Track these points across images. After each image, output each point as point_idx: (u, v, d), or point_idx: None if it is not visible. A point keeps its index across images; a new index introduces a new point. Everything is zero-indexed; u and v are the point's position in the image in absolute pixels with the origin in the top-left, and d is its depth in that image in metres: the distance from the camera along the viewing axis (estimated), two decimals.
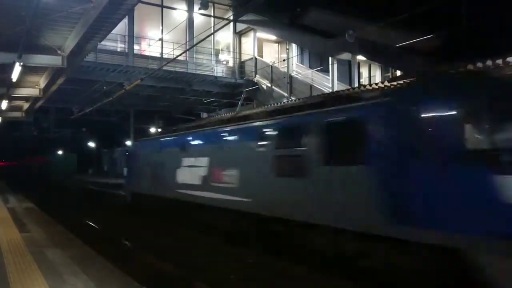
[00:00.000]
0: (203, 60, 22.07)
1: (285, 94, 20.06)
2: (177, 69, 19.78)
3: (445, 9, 10.04)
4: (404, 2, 10.59)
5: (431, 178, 5.19)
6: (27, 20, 8.22)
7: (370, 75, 21.76)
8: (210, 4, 20.55)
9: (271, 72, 21.44)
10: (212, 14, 21.53)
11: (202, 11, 17.54)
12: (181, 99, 23.18)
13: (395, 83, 10.44)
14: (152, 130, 32.09)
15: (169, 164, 12.30)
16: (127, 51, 19.86)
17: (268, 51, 23.54)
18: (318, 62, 21.24)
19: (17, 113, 22.76)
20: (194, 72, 20.90)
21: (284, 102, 12.47)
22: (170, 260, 7.97)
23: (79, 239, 8.76)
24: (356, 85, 17.57)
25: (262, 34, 22.52)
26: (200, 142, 11.30)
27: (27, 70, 12.37)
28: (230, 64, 23.15)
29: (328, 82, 18.68)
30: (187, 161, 11.27)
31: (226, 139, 9.92)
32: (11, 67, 10.79)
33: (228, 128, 9.97)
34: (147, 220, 13.26)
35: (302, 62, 21.72)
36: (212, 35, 20.25)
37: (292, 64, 20.91)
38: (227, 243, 9.24)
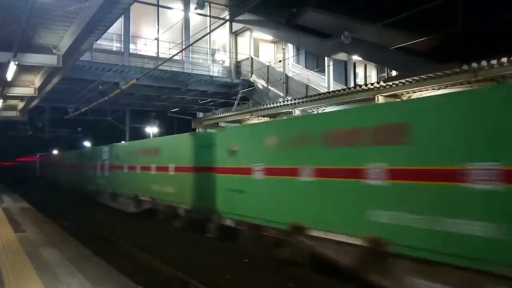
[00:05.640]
0: (199, 60, 22.06)
1: (281, 94, 20.09)
2: (173, 69, 19.75)
3: (440, 10, 10.09)
4: (400, 3, 10.64)
5: None
6: (23, 19, 8.17)
7: (366, 75, 21.83)
8: (206, 3, 20.56)
9: (267, 72, 21.46)
10: (208, 14, 21.51)
11: (198, 11, 17.51)
12: (177, 99, 23.14)
13: (390, 83, 10.51)
14: (148, 129, 32.09)
15: None
16: (123, 51, 19.80)
17: (265, 51, 23.55)
18: (314, 62, 21.30)
19: (11, 113, 22.58)
20: (190, 71, 20.88)
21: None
22: None
23: (74, 239, 8.74)
24: (352, 85, 17.66)
25: (258, 34, 22.53)
26: None
27: (22, 69, 12.28)
28: (226, 64, 23.15)
29: (324, 82, 18.73)
30: None
31: None
32: (6, 66, 10.72)
33: None
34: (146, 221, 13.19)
35: (298, 62, 21.76)
36: (208, 35, 20.23)
37: (288, 64, 20.95)
38: None
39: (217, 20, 20.43)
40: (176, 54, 14.28)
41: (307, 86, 19.38)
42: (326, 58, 18.36)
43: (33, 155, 39.41)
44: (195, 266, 7.71)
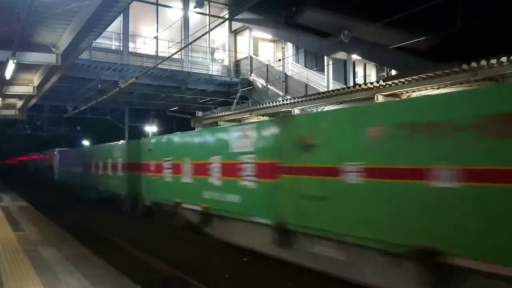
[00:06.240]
0: (199, 59, 22.04)
1: (281, 93, 20.08)
2: (172, 68, 19.73)
3: (440, 9, 10.09)
4: (400, 2, 10.64)
5: None
6: (22, 17, 8.16)
7: (365, 74, 21.83)
8: (206, 2, 20.53)
9: (267, 71, 21.46)
10: (208, 13, 21.49)
11: (198, 9, 17.49)
12: (177, 98, 23.13)
13: (389, 82, 10.50)
14: (147, 128, 32.11)
15: None
16: (122, 49, 19.77)
17: (264, 50, 23.54)
18: (314, 61, 21.30)
19: (10, 111, 22.55)
20: (189, 70, 20.86)
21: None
22: None
23: (74, 238, 8.73)
24: (351, 84, 17.65)
25: (257, 33, 22.52)
26: None
27: (20, 67, 12.25)
28: (226, 62, 23.13)
29: (323, 81, 18.73)
30: None
31: None
32: (4, 64, 10.70)
33: None
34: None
35: (297, 61, 21.77)
36: (208, 34, 20.21)
37: (288, 63, 20.94)
38: None
39: (216, 18, 20.41)
40: (175, 53, 14.25)
41: (306, 85, 19.38)
42: (325, 57, 18.36)
43: (48, 151, 30.30)
44: (195, 265, 7.71)
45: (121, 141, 16.79)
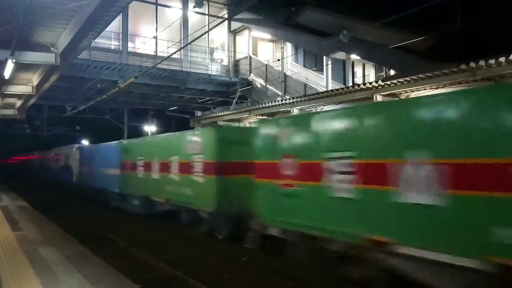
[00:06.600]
0: (198, 59, 22.04)
1: (280, 93, 20.09)
2: (172, 67, 19.71)
3: (440, 9, 10.11)
4: (399, 2, 10.66)
5: None
6: (20, 17, 8.15)
7: (364, 74, 21.84)
8: (205, 2, 20.53)
9: (266, 71, 21.47)
10: (207, 12, 21.49)
11: (197, 9, 17.49)
12: (176, 97, 23.12)
13: (388, 82, 10.51)
14: (146, 128, 32.09)
15: None
16: (121, 49, 19.76)
17: (263, 49, 23.54)
18: (313, 61, 21.31)
19: (9, 111, 22.54)
20: (188, 70, 20.86)
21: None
22: None
23: (73, 237, 8.72)
24: (350, 84, 17.67)
25: (257, 33, 22.52)
26: None
27: (19, 67, 12.26)
28: (225, 62, 23.13)
29: (322, 81, 18.74)
30: None
31: None
32: (3, 64, 10.68)
33: None
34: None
35: (296, 61, 21.78)
36: (207, 34, 20.21)
37: (287, 63, 20.95)
38: None
39: (215, 18, 20.41)
40: (174, 53, 14.26)
41: (305, 85, 19.39)
42: (324, 57, 18.36)
43: (63, 148, 26.98)
44: (195, 265, 7.71)
45: (199, 129, 10.98)
